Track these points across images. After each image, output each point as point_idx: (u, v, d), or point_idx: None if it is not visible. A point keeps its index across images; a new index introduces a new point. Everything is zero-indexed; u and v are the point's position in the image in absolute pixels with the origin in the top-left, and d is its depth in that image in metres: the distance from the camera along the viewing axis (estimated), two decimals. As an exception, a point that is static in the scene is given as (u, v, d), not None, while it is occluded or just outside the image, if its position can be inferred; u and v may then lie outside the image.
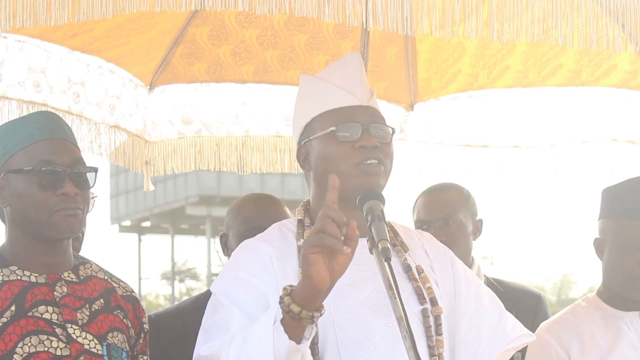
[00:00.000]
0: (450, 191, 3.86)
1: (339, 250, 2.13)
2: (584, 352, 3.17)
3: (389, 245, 2.22)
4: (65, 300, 2.60)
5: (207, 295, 3.01)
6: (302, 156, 2.68)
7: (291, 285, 2.23)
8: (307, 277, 2.16)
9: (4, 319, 2.52)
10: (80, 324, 2.60)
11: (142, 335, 2.78)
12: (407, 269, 2.60)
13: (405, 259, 2.62)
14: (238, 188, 29.99)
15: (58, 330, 2.55)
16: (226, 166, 4.13)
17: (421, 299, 2.55)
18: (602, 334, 3.19)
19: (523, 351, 3.18)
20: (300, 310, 2.18)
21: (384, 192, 2.54)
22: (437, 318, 2.55)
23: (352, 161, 2.54)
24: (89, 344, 2.58)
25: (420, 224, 3.78)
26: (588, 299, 3.33)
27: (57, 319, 2.57)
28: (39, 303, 2.57)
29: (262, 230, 2.70)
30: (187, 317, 3.33)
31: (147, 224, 39.05)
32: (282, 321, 2.21)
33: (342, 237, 2.15)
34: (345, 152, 2.55)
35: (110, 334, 2.65)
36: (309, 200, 2.69)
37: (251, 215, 3.50)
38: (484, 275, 3.92)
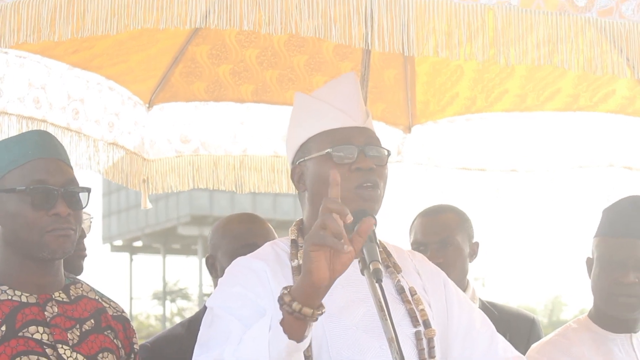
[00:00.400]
0: (447, 213, 3.85)
1: (340, 250, 2.13)
2: (575, 375, 3.16)
3: (380, 267, 2.20)
4: (56, 320, 2.58)
5: (198, 317, 2.99)
6: (297, 176, 2.65)
7: (289, 286, 2.21)
8: (307, 273, 2.13)
9: (-5, 339, 2.49)
10: (70, 344, 2.58)
11: (132, 356, 2.76)
12: (401, 290, 2.58)
13: (399, 280, 2.60)
14: (230, 208, 29.96)
15: (48, 351, 2.53)
16: (224, 185, 4.14)
17: (414, 321, 2.53)
18: (593, 356, 3.17)
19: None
20: (301, 308, 2.16)
21: (378, 214, 2.53)
22: (430, 340, 2.53)
23: (349, 185, 2.51)
24: (79, 365, 2.56)
25: (417, 246, 3.77)
26: (579, 321, 3.31)
27: (48, 339, 2.55)
28: (29, 323, 2.54)
29: (254, 247, 2.68)
30: (185, 343, 3.28)
31: (138, 243, 39.01)
32: (282, 322, 2.19)
33: (344, 234, 2.12)
34: (342, 175, 2.52)
35: (100, 355, 2.63)
36: (302, 219, 2.66)
37: (240, 233, 3.48)
38: (479, 299, 3.91)
